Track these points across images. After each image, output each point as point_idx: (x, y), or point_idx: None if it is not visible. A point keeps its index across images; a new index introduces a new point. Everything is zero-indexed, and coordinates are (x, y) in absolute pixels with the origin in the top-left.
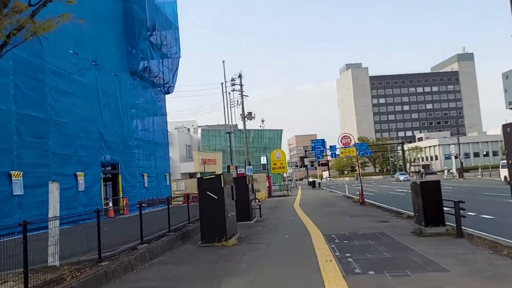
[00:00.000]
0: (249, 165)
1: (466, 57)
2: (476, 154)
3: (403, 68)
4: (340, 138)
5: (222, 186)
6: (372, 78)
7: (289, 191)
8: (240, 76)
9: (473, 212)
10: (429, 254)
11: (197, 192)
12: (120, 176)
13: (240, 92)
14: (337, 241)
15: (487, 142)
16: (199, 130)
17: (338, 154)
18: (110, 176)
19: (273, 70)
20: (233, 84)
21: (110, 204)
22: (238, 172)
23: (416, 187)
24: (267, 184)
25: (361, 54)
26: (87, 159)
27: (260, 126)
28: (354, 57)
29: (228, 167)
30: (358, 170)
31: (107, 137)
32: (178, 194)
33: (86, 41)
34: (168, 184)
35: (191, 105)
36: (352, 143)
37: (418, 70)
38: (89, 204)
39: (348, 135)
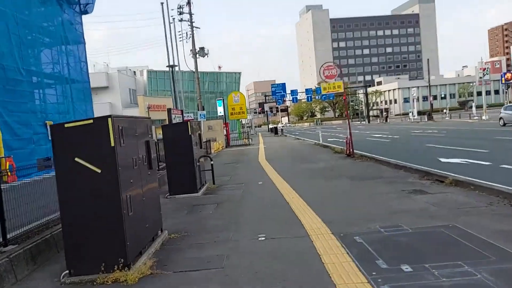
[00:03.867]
0: (202, 110)
1: (427, 0)
2: (435, 97)
3: (364, 11)
4: (322, 69)
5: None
6: (333, 21)
7: (250, 140)
8: (189, 2)
9: None
10: None
11: None
12: None
13: (189, 23)
14: (384, 265)
15: (445, 85)
16: (145, 72)
17: (299, 99)
18: None
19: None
20: (181, 13)
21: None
22: (186, 118)
23: None
24: (225, 132)
25: None
26: None
27: None
28: None
29: (169, 110)
30: (347, 113)
31: None
32: None
33: None
34: None
35: (126, 40)
36: (337, 73)
37: (379, 13)
38: None
39: (333, 64)
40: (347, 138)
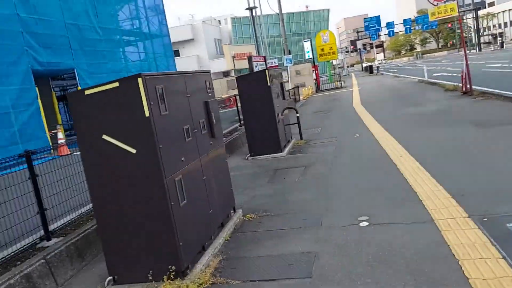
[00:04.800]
0: (289, 54)
1: None
2: None
3: None
4: None
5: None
6: None
7: (342, 82)
8: None
9: None
10: None
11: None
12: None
13: None
14: None
15: None
16: (229, 20)
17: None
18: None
19: None
20: None
21: (60, 134)
22: (270, 65)
23: None
24: (314, 76)
25: None
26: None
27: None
28: None
29: (250, 58)
30: (463, 40)
31: (38, 29)
32: None
33: None
34: None
35: None
36: None
37: None
38: (22, 139)
39: None
40: (462, 71)
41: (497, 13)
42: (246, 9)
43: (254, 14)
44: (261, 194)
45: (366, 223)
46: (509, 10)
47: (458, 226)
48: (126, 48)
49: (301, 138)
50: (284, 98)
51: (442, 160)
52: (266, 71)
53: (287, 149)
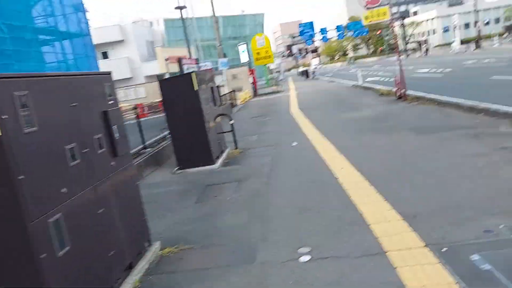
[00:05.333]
0: (224, 57)
1: None
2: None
3: None
4: None
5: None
6: None
7: (279, 86)
8: None
9: None
10: None
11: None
12: None
13: None
14: None
15: (489, 9)
16: (161, 21)
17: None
18: None
19: None
20: None
21: None
22: (203, 68)
23: None
24: (251, 80)
25: None
26: None
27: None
28: None
29: (180, 60)
30: (396, 46)
31: None
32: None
33: None
34: None
35: None
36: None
37: None
38: None
39: None
40: (396, 76)
41: (421, 21)
42: (176, 8)
43: (186, 15)
44: (186, 219)
45: (307, 257)
46: (432, 19)
47: (415, 260)
48: (42, 48)
49: (236, 147)
50: (216, 104)
51: (387, 172)
52: (193, 73)
53: (220, 160)
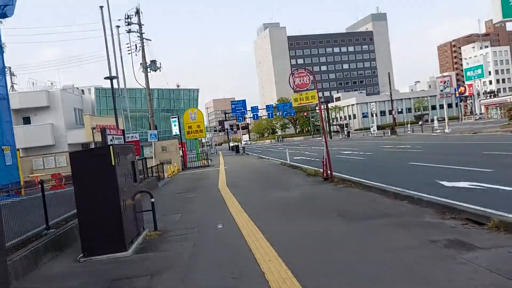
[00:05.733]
0: (155, 129)
1: (380, 17)
2: (391, 112)
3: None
4: (292, 77)
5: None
6: (290, 38)
7: (209, 160)
8: (138, 12)
9: None
10: None
11: None
12: None
13: (138, 34)
14: None
15: (401, 99)
16: (93, 89)
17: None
18: None
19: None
20: (129, 23)
21: None
22: (130, 139)
23: None
24: (181, 153)
25: (278, 14)
26: None
27: None
28: (270, 16)
29: (103, 130)
30: (323, 127)
31: None
32: (47, 174)
33: None
34: (11, 162)
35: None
36: (310, 81)
37: (334, 30)
38: None
39: (305, 71)
40: (323, 158)
41: (343, 106)
42: (105, 78)
43: (117, 85)
44: None
45: None
46: (352, 105)
47: None
48: None
49: (156, 229)
50: (136, 180)
51: (317, 268)
52: (111, 147)
53: (134, 245)
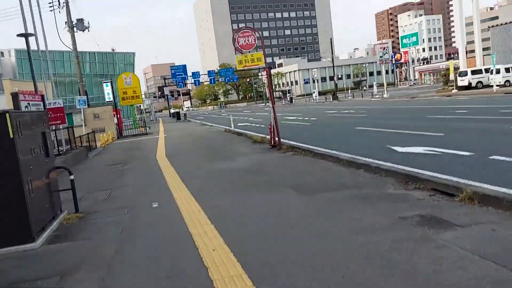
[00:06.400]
0: (85, 95)
1: None
2: (331, 78)
3: None
4: (237, 36)
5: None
6: (232, 2)
7: (148, 128)
8: None
9: None
10: None
11: None
12: None
13: None
14: None
15: (341, 66)
16: (13, 51)
17: (202, 82)
18: None
19: None
20: None
21: None
22: (51, 106)
23: None
24: (116, 121)
25: None
26: None
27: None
28: None
29: (15, 94)
30: (271, 92)
31: None
32: None
33: None
34: None
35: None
36: (255, 43)
37: None
38: None
39: (250, 31)
40: (270, 124)
41: (285, 73)
42: (18, 35)
43: (38, 46)
44: None
45: None
46: (294, 71)
47: None
48: None
49: (76, 211)
50: (49, 155)
51: (275, 260)
52: (7, 114)
53: (46, 233)
